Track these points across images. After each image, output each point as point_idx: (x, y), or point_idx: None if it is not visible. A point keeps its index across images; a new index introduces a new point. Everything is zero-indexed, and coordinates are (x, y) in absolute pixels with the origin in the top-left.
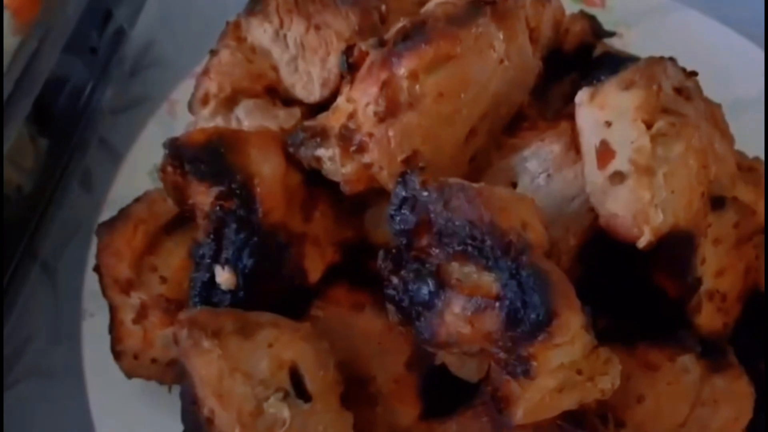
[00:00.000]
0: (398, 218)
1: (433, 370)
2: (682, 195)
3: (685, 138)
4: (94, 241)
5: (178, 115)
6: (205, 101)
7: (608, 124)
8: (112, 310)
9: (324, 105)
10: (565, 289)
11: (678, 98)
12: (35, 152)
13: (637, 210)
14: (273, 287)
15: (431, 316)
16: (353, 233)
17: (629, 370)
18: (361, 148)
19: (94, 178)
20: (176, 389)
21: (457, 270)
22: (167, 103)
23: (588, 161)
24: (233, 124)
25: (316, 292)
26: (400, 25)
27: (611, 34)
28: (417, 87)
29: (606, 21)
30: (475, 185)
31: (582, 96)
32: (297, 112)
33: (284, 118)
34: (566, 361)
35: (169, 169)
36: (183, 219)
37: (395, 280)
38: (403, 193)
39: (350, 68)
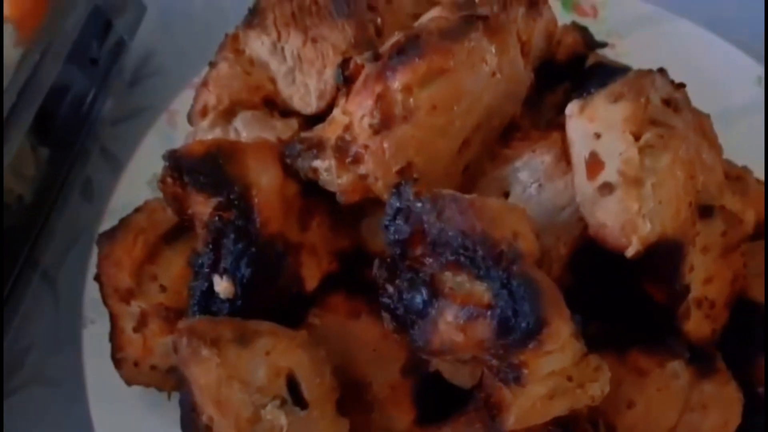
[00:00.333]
0: (393, 228)
1: (428, 376)
2: (669, 205)
3: (673, 149)
4: (95, 249)
5: (177, 125)
6: (204, 113)
7: (597, 135)
8: (113, 319)
9: (320, 116)
10: (555, 298)
11: (666, 110)
12: (36, 162)
13: (625, 220)
14: (271, 296)
15: (425, 324)
16: (349, 242)
17: (619, 376)
18: (357, 160)
19: (95, 187)
20: (175, 396)
21: (450, 279)
22: (167, 113)
23: (578, 172)
24: (232, 135)
25: (313, 300)
26: (394, 39)
27: (603, 45)
28: (411, 100)
29: (599, 31)
30: (467, 197)
31: (572, 108)
32: (294, 123)
33: (282, 129)
34: (556, 368)
35: (169, 180)
36: (182, 229)
37: (390, 288)
38: (398, 204)
39: (346, 81)
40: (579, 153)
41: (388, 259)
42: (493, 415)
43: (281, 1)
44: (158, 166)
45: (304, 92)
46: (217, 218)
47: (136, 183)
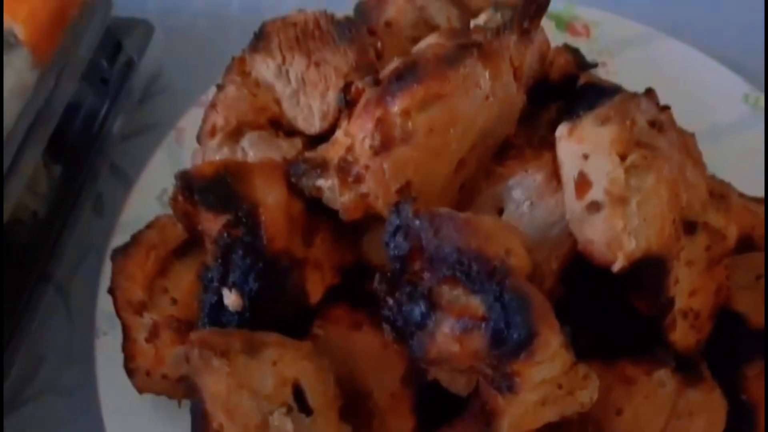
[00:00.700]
0: (392, 245)
1: (427, 385)
2: (653, 222)
3: (657, 169)
4: (107, 263)
5: (184, 142)
6: (212, 133)
7: (585, 156)
8: (126, 330)
9: (324, 136)
10: (545, 310)
11: (651, 131)
12: (49, 178)
13: (611, 237)
14: (277, 308)
15: (423, 335)
16: (352, 257)
17: (608, 384)
18: (358, 179)
19: (106, 202)
20: (186, 403)
21: (447, 293)
22: (174, 131)
23: (567, 191)
24: (239, 155)
25: (317, 312)
26: (393, 65)
27: (593, 66)
28: (409, 123)
29: (591, 50)
30: (462, 215)
31: (561, 130)
32: (298, 142)
33: (287, 148)
34: (547, 377)
35: (180, 198)
36: (192, 244)
37: (390, 301)
38: (397, 222)
39: (348, 104)
40: (568, 173)
41: (389, 274)
42: (489, 421)
43: (286, 26)
44: (167, 181)
45: (308, 113)
46: (225, 235)
47: (146, 198)
